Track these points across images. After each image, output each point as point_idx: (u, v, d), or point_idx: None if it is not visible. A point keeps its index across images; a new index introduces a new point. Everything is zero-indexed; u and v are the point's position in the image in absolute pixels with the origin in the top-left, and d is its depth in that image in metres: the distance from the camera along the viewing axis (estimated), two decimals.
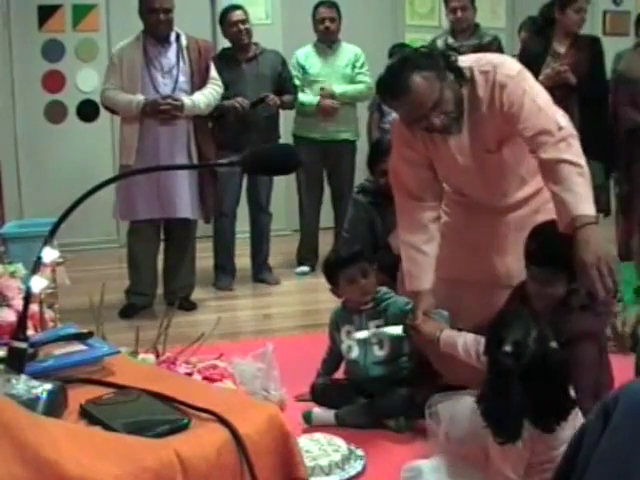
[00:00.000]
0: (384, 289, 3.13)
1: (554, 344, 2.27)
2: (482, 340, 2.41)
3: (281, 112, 6.15)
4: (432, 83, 2.54)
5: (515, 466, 2.26)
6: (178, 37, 4.59)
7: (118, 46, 4.65)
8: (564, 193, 2.43)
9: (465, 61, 2.67)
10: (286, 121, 6.03)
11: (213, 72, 4.72)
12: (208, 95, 4.62)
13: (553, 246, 2.47)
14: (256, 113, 5.08)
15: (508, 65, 2.64)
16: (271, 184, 5.35)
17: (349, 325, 3.14)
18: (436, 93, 2.54)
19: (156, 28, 4.49)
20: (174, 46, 4.57)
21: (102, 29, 6.38)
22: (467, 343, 2.58)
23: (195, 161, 4.58)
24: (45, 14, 6.31)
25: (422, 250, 2.84)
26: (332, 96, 5.40)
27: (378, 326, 3.06)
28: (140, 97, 4.44)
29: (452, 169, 2.82)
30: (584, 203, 2.41)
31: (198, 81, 4.62)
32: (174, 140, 4.54)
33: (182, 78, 4.56)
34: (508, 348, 2.24)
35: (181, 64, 4.56)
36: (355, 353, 3.12)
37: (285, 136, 5.69)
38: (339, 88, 5.44)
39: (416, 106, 2.57)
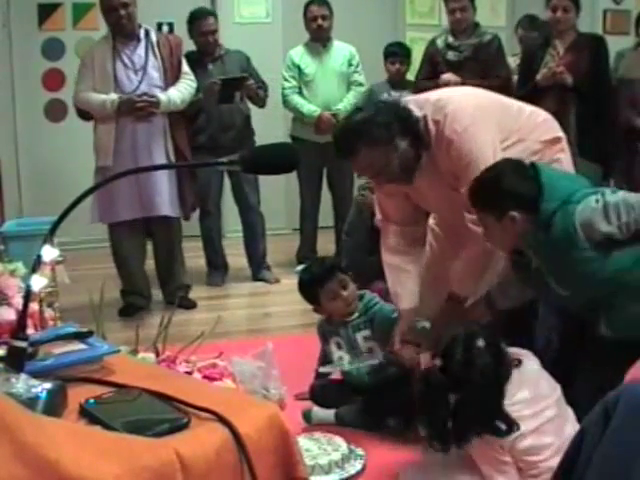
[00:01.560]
0: (368, 295, 3.12)
1: (481, 342, 2.32)
2: None
3: (280, 112, 6.19)
4: (378, 154, 2.60)
5: (499, 467, 2.27)
6: (147, 33, 4.58)
7: (88, 47, 4.64)
8: (459, 269, 2.70)
9: (423, 105, 2.66)
10: (285, 122, 6.03)
11: (185, 67, 4.70)
12: (182, 90, 4.60)
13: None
14: (231, 113, 5.11)
15: (459, 117, 2.59)
16: (257, 183, 5.32)
17: (337, 337, 3.13)
18: (381, 161, 2.61)
19: (118, 24, 4.47)
20: (143, 42, 4.55)
21: (102, 27, 6.25)
22: None
23: (172, 157, 4.55)
24: (45, 12, 6.31)
25: (405, 269, 2.91)
26: (335, 116, 5.36)
27: (365, 337, 3.06)
28: (114, 96, 4.41)
29: (425, 202, 2.87)
30: (461, 283, 2.68)
31: (171, 77, 4.59)
32: (151, 138, 4.51)
33: (154, 74, 4.54)
34: (436, 362, 2.34)
35: (152, 60, 4.54)
36: (347, 364, 3.11)
37: (284, 137, 5.67)
38: (340, 105, 5.41)
39: (361, 170, 2.83)
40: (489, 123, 2.63)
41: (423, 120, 2.62)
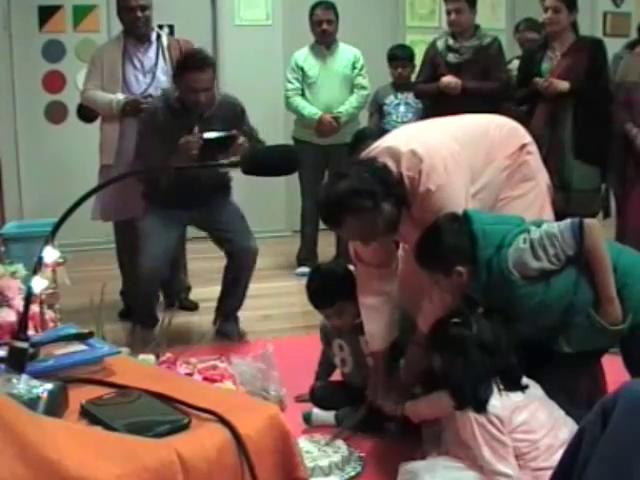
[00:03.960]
0: None
1: (482, 309, 2.48)
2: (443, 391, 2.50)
3: (281, 114, 6.20)
4: (365, 221, 2.61)
5: (500, 456, 2.29)
6: (159, 37, 4.58)
7: (98, 46, 4.64)
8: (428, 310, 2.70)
9: (398, 158, 2.65)
10: (287, 124, 6.03)
11: None
12: None
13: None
14: (208, 177, 4.02)
15: (433, 175, 2.60)
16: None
17: (340, 339, 3.13)
18: (368, 227, 2.63)
19: (134, 26, 4.46)
20: (154, 45, 4.55)
21: (102, 29, 6.36)
22: (428, 398, 2.64)
23: None
24: (45, 14, 6.30)
25: (381, 310, 2.91)
26: (336, 119, 5.37)
27: None
28: (120, 96, 4.41)
29: (405, 241, 2.89)
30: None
31: None
32: None
33: (162, 77, 4.52)
34: (455, 319, 2.44)
35: (161, 63, 4.53)
36: (349, 367, 3.12)
37: (285, 139, 5.68)
38: (342, 108, 5.41)
39: (348, 237, 2.85)
40: (461, 175, 2.65)
41: (399, 177, 2.64)
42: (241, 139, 3.81)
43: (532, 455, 2.33)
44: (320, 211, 2.77)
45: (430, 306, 2.69)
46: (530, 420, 2.35)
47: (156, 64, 4.52)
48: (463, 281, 2.52)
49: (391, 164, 2.65)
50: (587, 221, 2.44)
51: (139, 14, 4.43)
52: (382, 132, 3.72)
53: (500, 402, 2.35)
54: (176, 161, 3.72)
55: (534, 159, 2.88)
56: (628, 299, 2.46)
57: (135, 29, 4.47)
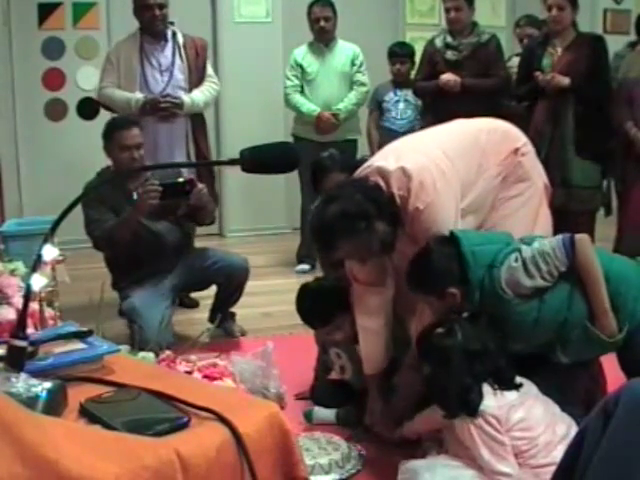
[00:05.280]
0: None
1: (466, 314, 2.48)
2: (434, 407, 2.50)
3: (281, 111, 6.19)
4: (359, 242, 2.59)
5: (500, 456, 2.30)
6: (174, 35, 4.59)
7: (115, 44, 4.64)
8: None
9: (388, 177, 2.62)
10: (286, 121, 6.03)
11: (209, 70, 4.72)
12: (206, 93, 4.62)
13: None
14: (171, 233, 3.88)
15: (422, 194, 2.58)
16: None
17: (336, 348, 3.12)
18: (363, 247, 2.61)
19: (152, 24, 4.48)
20: (170, 43, 4.57)
21: (102, 27, 6.37)
22: (422, 414, 2.63)
23: (193, 159, 4.57)
24: (45, 12, 6.29)
25: (378, 332, 2.88)
26: (335, 115, 5.37)
27: None
28: (139, 95, 4.43)
29: (399, 260, 2.81)
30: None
31: (195, 79, 4.60)
32: (173, 138, 4.54)
33: (179, 76, 4.55)
34: (439, 330, 2.43)
35: (178, 62, 4.55)
36: (349, 373, 3.11)
37: (285, 136, 5.68)
38: (341, 105, 5.40)
39: (345, 258, 2.77)
40: (450, 191, 2.63)
41: (391, 196, 2.62)
42: (200, 185, 3.66)
43: (531, 452, 2.32)
44: (313, 237, 2.75)
45: (421, 327, 2.65)
46: (527, 417, 2.35)
47: (173, 62, 4.54)
48: (456, 302, 2.52)
49: (382, 184, 2.63)
50: (578, 236, 2.44)
51: (157, 12, 4.45)
52: (344, 162, 3.59)
53: (495, 402, 2.34)
54: (134, 214, 3.59)
55: (528, 159, 2.84)
56: (623, 307, 2.46)
57: (152, 27, 4.49)
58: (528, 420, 2.34)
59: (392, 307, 2.89)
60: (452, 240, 2.53)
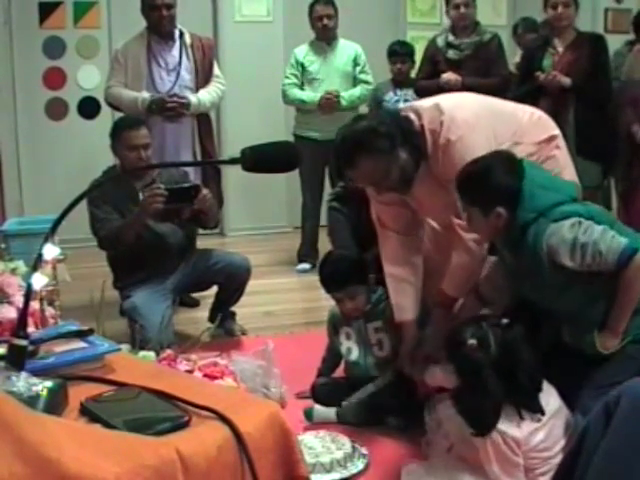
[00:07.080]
0: (381, 290, 3.13)
1: (505, 321, 2.38)
2: None
3: (281, 110, 6.19)
4: (379, 164, 2.59)
5: (508, 470, 2.26)
6: (182, 35, 4.59)
7: (122, 43, 4.64)
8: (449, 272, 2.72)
9: (421, 113, 2.65)
10: (286, 120, 6.02)
11: (216, 70, 4.73)
12: (212, 93, 4.63)
13: None
14: (173, 233, 3.88)
15: (454, 126, 2.59)
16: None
17: (348, 327, 3.14)
18: (382, 171, 2.61)
19: (159, 24, 4.48)
20: (177, 43, 4.57)
21: (103, 26, 6.37)
22: (445, 369, 2.57)
23: (199, 159, 4.60)
24: (46, 11, 6.30)
25: (408, 280, 2.89)
26: (336, 96, 5.37)
27: (376, 328, 3.09)
28: (146, 94, 4.43)
29: (422, 209, 2.86)
30: (451, 284, 2.73)
31: (202, 79, 4.61)
32: (179, 138, 4.55)
33: (186, 76, 4.56)
34: (472, 341, 2.34)
35: (185, 62, 4.56)
36: (355, 355, 3.13)
37: (286, 135, 5.67)
38: (344, 94, 5.40)
39: (360, 180, 2.73)
40: (483, 130, 2.63)
41: (421, 129, 2.63)
42: (205, 191, 3.65)
43: (543, 470, 2.28)
44: (335, 149, 2.72)
45: (457, 260, 2.65)
46: (547, 438, 2.28)
47: (180, 62, 4.55)
48: (499, 225, 2.43)
49: (414, 117, 2.66)
50: (638, 257, 2.32)
51: (164, 12, 4.45)
52: None
53: (517, 425, 2.27)
54: (140, 216, 3.60)
55: (563, 155, 2.84)
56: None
57: (160, 27, 4.49)
58: (547, 441, 2.28)
59: (421, 261, 2.90)
60: (517, 166, 2.45)
